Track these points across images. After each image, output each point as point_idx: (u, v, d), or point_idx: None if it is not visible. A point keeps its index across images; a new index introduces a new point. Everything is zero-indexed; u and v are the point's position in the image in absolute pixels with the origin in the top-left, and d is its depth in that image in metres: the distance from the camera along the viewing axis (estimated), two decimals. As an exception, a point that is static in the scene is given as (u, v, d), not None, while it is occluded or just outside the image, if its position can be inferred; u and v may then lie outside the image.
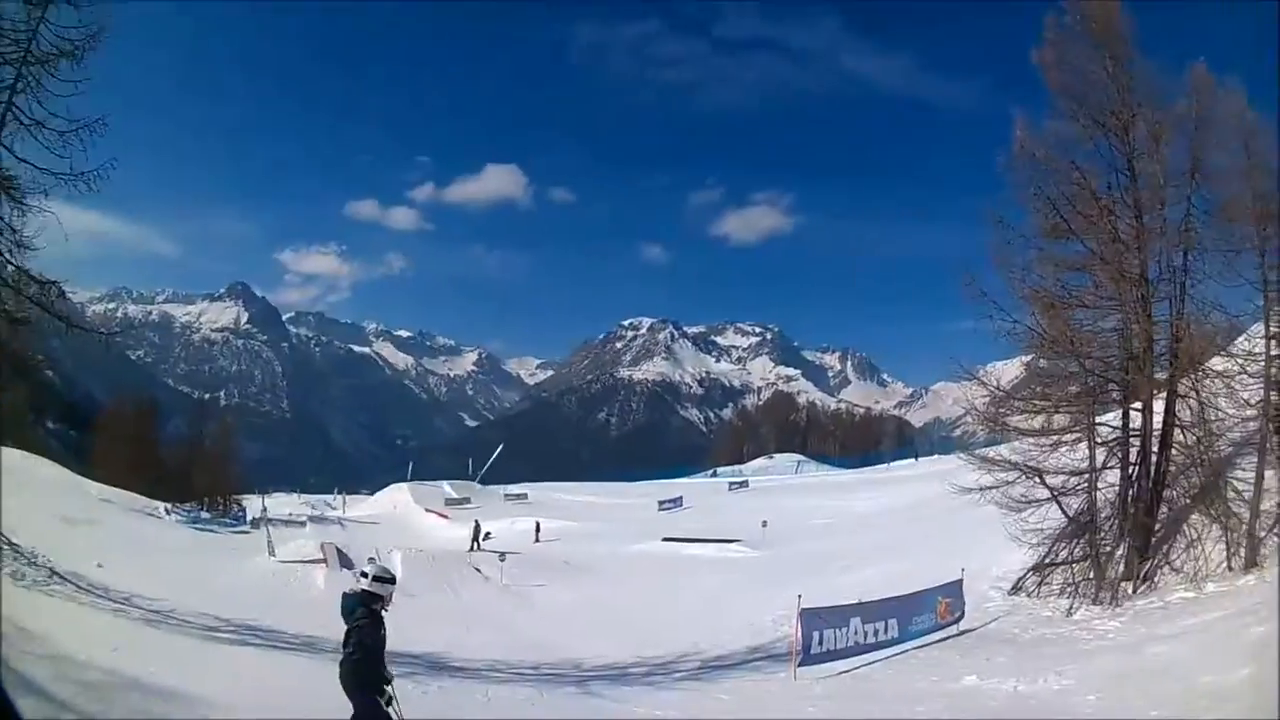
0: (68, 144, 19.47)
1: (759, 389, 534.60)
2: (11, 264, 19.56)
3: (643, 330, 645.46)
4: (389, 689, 9.53)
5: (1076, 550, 22.13)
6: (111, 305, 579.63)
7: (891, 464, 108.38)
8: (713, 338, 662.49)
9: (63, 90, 19.66)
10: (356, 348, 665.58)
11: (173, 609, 20.36)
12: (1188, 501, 21.31)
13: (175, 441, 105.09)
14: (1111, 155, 21.80)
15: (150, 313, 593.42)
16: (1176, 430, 21.23)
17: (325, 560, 34.45)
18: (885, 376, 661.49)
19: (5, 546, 19.31)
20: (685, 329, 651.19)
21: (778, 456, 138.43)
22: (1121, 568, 21.09)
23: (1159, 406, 21.25)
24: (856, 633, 19.20)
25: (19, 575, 17.67)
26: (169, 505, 63.93)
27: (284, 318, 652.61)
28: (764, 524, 49.68)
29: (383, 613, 9.79)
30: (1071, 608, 20.85)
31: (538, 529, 59.30)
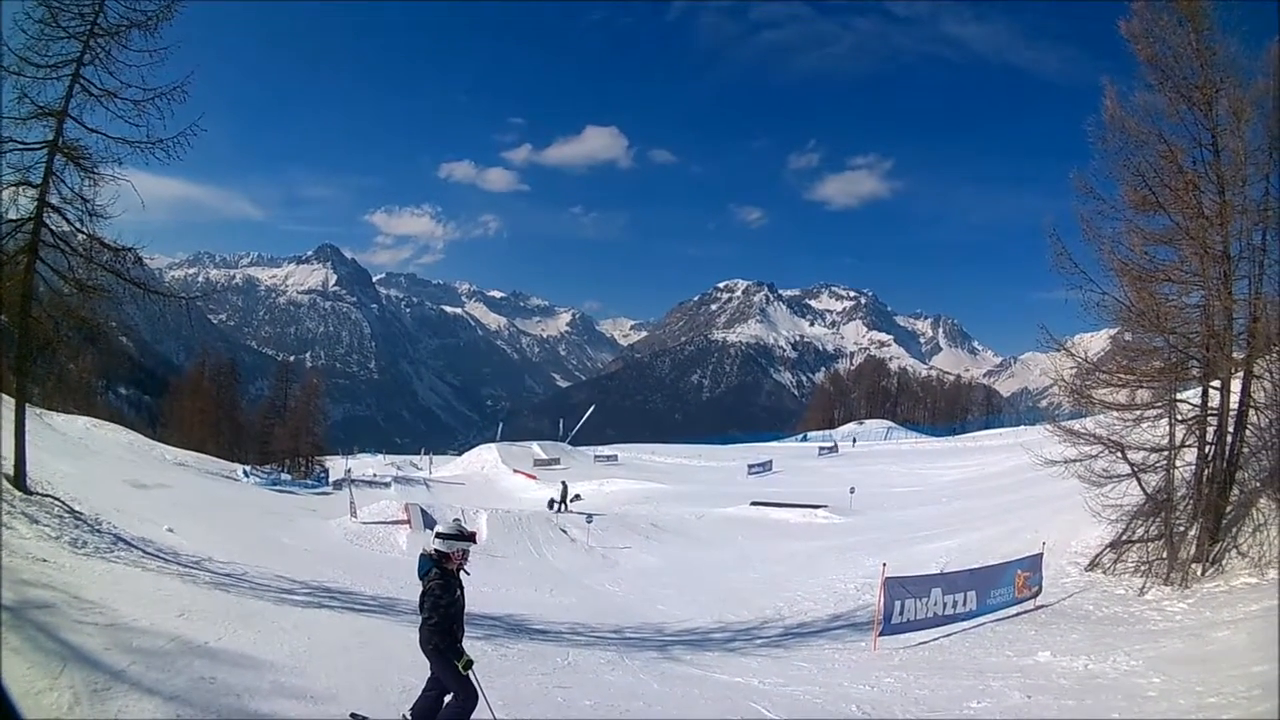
0: (143, 113, 19.66)
1: (851, 354, 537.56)
2: (83, 232, 19.79)
3: (738, 292, 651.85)
4: (467, 654, 9.47)
5: (1152, 529, 21.99)
6: (193, 270, 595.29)
7: (977, 434, 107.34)
8: (807, 301, 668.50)
9: (136, 60, 19.84)
10: (448, 308, 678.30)
11: (245, 572, 20.41)
12: (1258, 485, 21.03)
13: (257, 404, 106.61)
14: (1196, 130, 21.45)
15: (233, 276, 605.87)
16: (1251, 411, 20.91)
17: (408, 521, 34.69)
18: (975, 344, 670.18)
19: (68, 515, 19.48)
20: (780, 291, 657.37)
21: (868, 422, 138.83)
22: (1193, 549, 20.86)
23: (1236, 386, 20.95)
24: (936, 603, 19.19)
25: (79, 543, 17.67)
26: (247, 468, 65.39)
27: (374, 279, 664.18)
28: (851, 490, 49.52)
29: (462, 574, 9.82)
30: (1144, 587, 20.84)
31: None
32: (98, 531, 19.52)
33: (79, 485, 25.21)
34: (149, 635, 12.27)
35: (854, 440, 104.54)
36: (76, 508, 20.60)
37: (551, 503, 49.78)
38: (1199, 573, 20.40)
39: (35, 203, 19.02)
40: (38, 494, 19.75)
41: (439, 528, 9.91)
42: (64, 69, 19.27)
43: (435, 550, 9.65)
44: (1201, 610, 18.46)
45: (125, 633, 12.08)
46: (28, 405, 21.57)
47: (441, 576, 9.52)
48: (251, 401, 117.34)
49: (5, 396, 24.85)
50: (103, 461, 39.05)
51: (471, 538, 10.15)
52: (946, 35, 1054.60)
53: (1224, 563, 20.39)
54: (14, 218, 19.09)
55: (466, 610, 9.88)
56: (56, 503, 19.87)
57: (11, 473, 19.34)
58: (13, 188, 18.85)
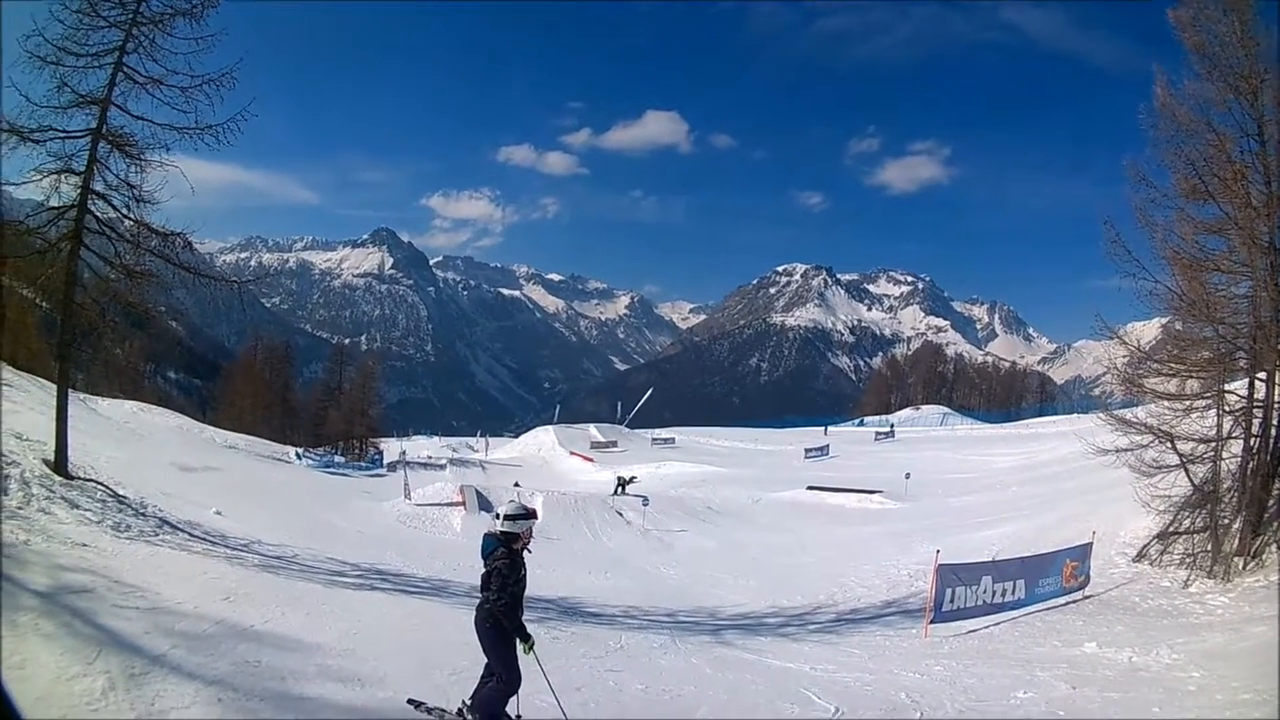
0: (191, 99, 19.46)
1: (908, 339, 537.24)
2: (130, 218, 19.69)
3: (796, 276, 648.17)
4: (531, 637, 9.46)
5: (1198, 521, 21.83)
6: (245, 254, 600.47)
7: (1031, 420, 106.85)
8: (865, 285, 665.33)
9: (182, 48, 19.62)
10: (506, 291, 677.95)
11: (295, 555, 20.33)
12: (1299, 478, 20.69)
13: (311, 387, 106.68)
14: (1243, 119, 21.15)
15: (287, 260, 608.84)
16: (1295, 405, 20.57)
17: (463, 503, 34.57)
18: (1031, 331, 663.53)
19: (111, 499, 19.34)
20: (839, 276, 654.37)
21: (924, 408, 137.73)
22: (1236, 542, 20.73)
23: (1281, 379, 20.64)
24: (986, 592, 19.25)
25: (122, 526, 17.40)
26: (300, 450, 65.33)
27: (431, 262, 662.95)
28: (907, 476, 49.90)
29: (525, 553, 9.84)
30: (1188, 579, 20.69)
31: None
32: (142, 515, 19.41)
33: (124, 469, 24.99)
34: (192, 619, 12.24)
35: (891, 427, 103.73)
36: (120, 492, 20.47)
37: (620, 486, 49.19)
38: (1241, 566, 20.29)
39: (79, 190, 18.95)
40: (79, 478, 19.58)
41: (505, 509, 9.88)
42: (105, 58, 19.16)
43: (502, 531, 9.63)
44: (1241, 605, 18.46)
45: (167, 616, 12.02)
46: (71, 390, 21.61)
47: (508, 556, 9.52)
48: (305, 384, 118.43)
49: (46, 381, 24.90)
50: (149, 445, 38.92)
51: (534, 514, 10.17)
52: (1004, 21, 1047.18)
53: (1264, 557, 20.26)
54: (57, 205, 19.00)
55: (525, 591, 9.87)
56: (99, 487, 19.72)
57: (52, 457, 19.26)
58: (55, 175, 18.76)
